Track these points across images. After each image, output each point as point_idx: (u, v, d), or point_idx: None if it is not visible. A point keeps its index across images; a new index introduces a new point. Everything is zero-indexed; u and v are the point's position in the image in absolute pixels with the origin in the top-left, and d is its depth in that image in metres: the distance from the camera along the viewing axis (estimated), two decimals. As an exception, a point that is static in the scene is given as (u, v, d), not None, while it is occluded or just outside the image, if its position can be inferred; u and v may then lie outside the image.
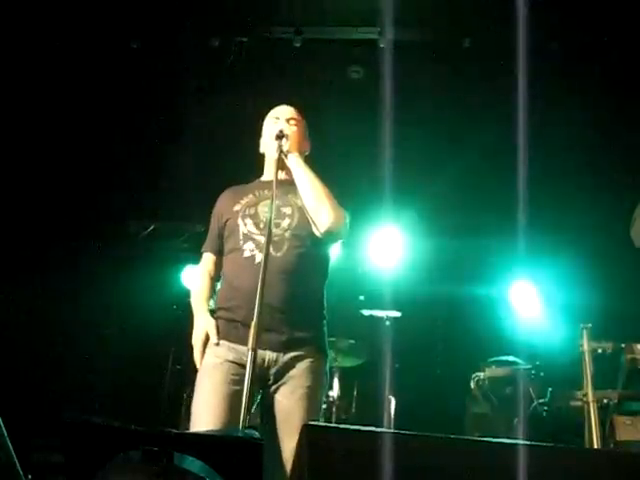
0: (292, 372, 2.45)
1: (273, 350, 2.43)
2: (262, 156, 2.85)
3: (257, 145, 2.88)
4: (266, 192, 2.66)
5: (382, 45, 4.59)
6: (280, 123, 2.73)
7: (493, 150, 4.95)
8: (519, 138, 4.16)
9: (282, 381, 2.45)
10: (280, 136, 2.64)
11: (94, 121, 5.14)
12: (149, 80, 4.98)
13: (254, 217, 2.61)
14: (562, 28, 4.49)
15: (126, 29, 4.73)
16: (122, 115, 5.14)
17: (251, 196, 2.71)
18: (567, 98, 4.80)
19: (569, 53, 4.60)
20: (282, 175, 2.70)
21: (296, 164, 2.65)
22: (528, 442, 1.61)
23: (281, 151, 2.63)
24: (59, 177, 5.33)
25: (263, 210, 2.61)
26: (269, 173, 2.78)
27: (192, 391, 2.52)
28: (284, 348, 2.45)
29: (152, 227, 6.17)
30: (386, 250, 5.66)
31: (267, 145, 2.78)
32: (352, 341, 4.86)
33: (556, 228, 5.28)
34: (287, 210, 2.62)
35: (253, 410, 2.47)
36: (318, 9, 4.61)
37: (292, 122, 2.76)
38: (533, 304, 5.66)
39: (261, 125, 2.88)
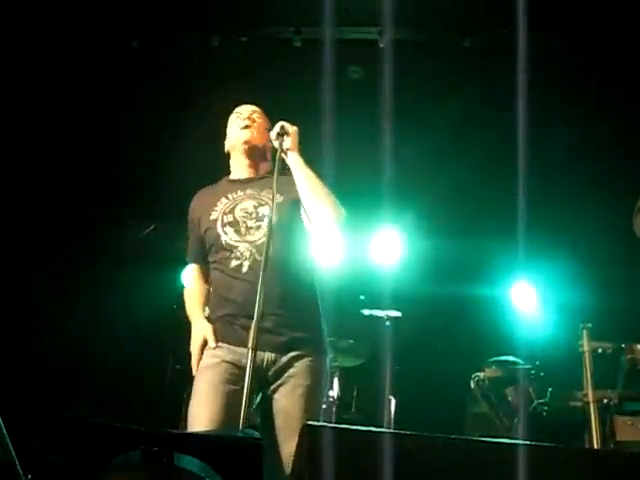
0: (291, 371, 2.44)
1: (272, 351, 2.42)
2: (228, 154, 2.84)
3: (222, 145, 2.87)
4: (239, 193, 2.65)
5: (382, 45, 4.59)
6: (279, 123, 2.69)
7: (493, 151, 4.96)
8: (519, 139, 4.16)
9: (281, 381, 2.44)
10: (281, 133, 2.60)
11: (94, 121, 5.14)
12: (149, 80, 4.99)
13: (233, 224, 2.56)
14: (562, 28, 4.49)
15: (126, 29, 4.73)
16: (122, 115, 5.14)
17: (225, 200, 2.65)
18: (567, 98, 4.80)
19: (569, 53, 4.60)
20: (251, 173, 2.72)
21: (296, 162, 2.62)
22: (528, 442, 1.60)
23: (282, 149, 2.60)
24: (59, 177, 5.33)
25: (240, 214, 2.57)
26: (237, 171, 2.77)
27: (192, 391, 2.52)
28: (284, 349, 2.44)
29: (152, 227, 6.17)
30: (386, 250, 5.67)
31: (231, 144, 2.78)
32: (352, 341, 4.86)
33: (556, 229, 5.28)
34: (264, 210, 2.57)
35: (252, 410, 2.46)
36: (318, 9, 4.60)
37: (255, 115, 2.76)
38: (533, 304, 5.66)
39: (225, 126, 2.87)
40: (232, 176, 2.80)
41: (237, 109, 2.84)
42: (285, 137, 2.60)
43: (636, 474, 1.53)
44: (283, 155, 2.61)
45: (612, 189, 4.81)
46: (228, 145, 2.82)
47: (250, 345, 2.16)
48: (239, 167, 2.77)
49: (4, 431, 1.42)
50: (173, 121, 5.22)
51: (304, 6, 4.57)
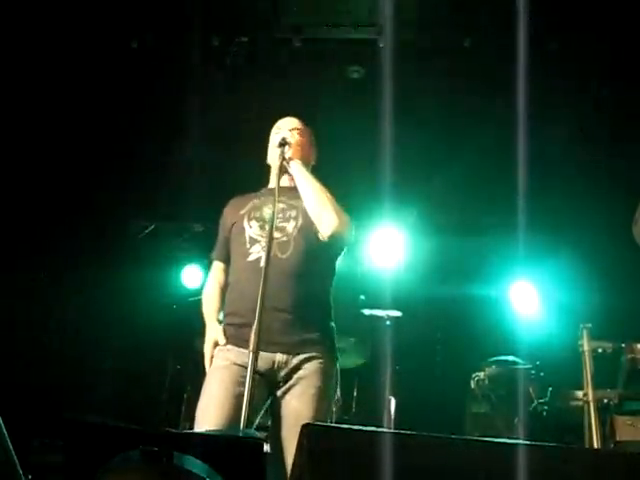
0: (302, 373, 2.46)
1: (283, 353, 2.45)
2: (268, 166, 2.88)
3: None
4: (271, 197, 2.68)
5: (382, 45, 4.58)
6: (283, 132, 2.76)
7: (493, 150, 4.95)
8: (519, 138, 4.16)
9: (292, 382, 2.46)
10: (282, 144, 2.67)
11: (94, 121, 5.14)
12: (149, 80, 4.98)
13: (259, 219, 2.64)
14: (562, 28, 4.49)
15: (126, 29, 4.72)
16: (122, 115, 5.14)
17: (256, 200, 2.75)
18: (567, 98, 4.80)
19: (569, 53, 4.59)
20: (287, 182, 2.73)
21: (298, 171, 2.68)
22: (528, 442, 1.60)
23: (283, 158, 2.65)
24: (60, 176, 5.34)
25: (268, 212, 2.62)
26: (274, 181, 2.80)
27: (193, 391, 2.53)
28: (294, 350, 2.46)
29: (152, 227, 6.17)
30: (386, 250, 5.66)
31: (271, 155, 2.81)
32: (352, 340, 4.85)
33: (556, 228, 5.28)
34: (292, 213, 2.65)
35: (262, 412, 2.47)
36: (318, 9, 4.60)
37: (295, 132, 2.78)
38: (533, 304, 5.66)
39: (264, 130, 2.90)
40: (270, 186, 2.85)
41: (278, 123, 2.87)
42: (287, 147, 2.67)
43: (636, 474, 1.53)
44: (285, 164, 2.67)
45: (612, 188, 4.82)
46: (269, 159, 2.86)
47: (251, 348, 2.17)
48: (275, 178, 2.78)
49: (4, 431, 1.42)
50: (173, 121, 5.21)
51: (304, 6, 4.57)
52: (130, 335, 5.61)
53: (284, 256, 2.52)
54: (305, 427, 1.57)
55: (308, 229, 2.60)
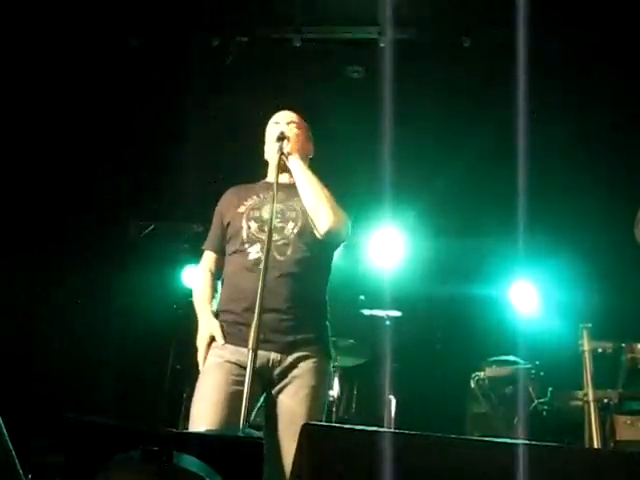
0: (296, 372, 2.45)
1: (277, 352, 2.44)
2: (266, 161, 2.86)
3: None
4: (271, 194, 2.66)
5: (382, 45, 4.59)
6: (281, 126, 2.74)
7: (493, 150, 4.95)
8: (519, 138, 4.16)
9: (286, 381, 2.45)
10: (281, 138, 2.65)
11: (94, 121, 5.14)
12: (149, 80, 4.98)
13: (258, 220, 2.61)
14: (562, 28, 4.49)
15: (126, 28, 4.72)
16: (122, 115, 5.14)
17: (255, 198, 2.71)
18: (567, 98, 4.80)
19: (569, 53, 4.60)
20: (286, 179, 2.71)
21: (296, 166, 2.66)
22: (528, 442, 1.60)
23: (282, 153, 2.64)
24: (60, 176, 5.33)
25: (268, 212, 2.61)
26: (272, 176, 2.79)
27: (192, 391, 2.52)
28: (288, 350, 2.45)
29: (152, 227, 6.17)
30: (386, 250, 5.67)
31: (269, 149, 2.79)
32: (352, 341, 4.86)
33: (556, 228, 5.28)
34: (292, 214, 2.63)
35: (255, 411, 2.47)
36: (318, 9, 4.61)
37: (293, 125, 2.76)
38: (533, 304, 5.66)
39: (264, 131, 2.88)
40: (268, 179, 2.82)
41: (275, 117, 2.85)
42: (285, 142, 2.64)
43: (636, 474, 1.53)
44: (284, 158, 2.65)
45: (612, 188, 4.82)
46: (266, 153, 2.83)
47: (250, 346, 2.16)
48: (273, 173, 2.76)
49: (4, 431, 1.42)
50: (173, 121, 5.21)
51: (304, 6, 4.58)
52: (130, 335, 5.62)
53: (282, 258, 2.52)
54: (305, 427, 1.57)
55: (307, 231, 2.59)
